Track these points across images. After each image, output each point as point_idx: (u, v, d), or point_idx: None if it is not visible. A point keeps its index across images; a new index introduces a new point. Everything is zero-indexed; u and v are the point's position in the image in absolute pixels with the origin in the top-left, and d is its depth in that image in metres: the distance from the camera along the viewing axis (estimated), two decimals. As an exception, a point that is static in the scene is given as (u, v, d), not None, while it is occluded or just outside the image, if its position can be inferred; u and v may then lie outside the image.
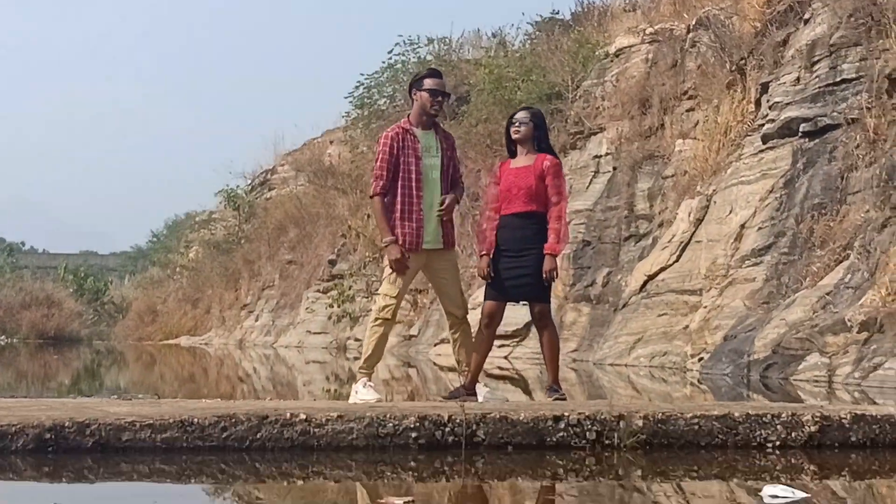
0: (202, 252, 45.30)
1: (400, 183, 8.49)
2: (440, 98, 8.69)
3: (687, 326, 15.45)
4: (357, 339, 26.19)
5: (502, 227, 8.59)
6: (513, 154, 8.72)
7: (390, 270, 8.51)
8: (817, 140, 14.67)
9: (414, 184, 8.49)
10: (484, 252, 8.66)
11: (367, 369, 8.45)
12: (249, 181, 44.27)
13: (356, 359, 21.99)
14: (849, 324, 11.62)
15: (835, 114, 14.44)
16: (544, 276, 8.37)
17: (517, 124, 8.62)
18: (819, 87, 14.85)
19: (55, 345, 38.80)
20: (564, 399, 8.34)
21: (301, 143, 40.83)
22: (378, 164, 8.53)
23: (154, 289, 48.39)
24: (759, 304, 14.08)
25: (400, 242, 8.42)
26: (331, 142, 37.53)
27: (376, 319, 8.48)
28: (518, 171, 8.54)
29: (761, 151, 15.63)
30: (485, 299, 8.72)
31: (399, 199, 8.48)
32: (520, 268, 8.44)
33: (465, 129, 25.11)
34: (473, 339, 8.68)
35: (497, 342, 18.88)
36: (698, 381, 13.04)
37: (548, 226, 8.43)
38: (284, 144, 44.03)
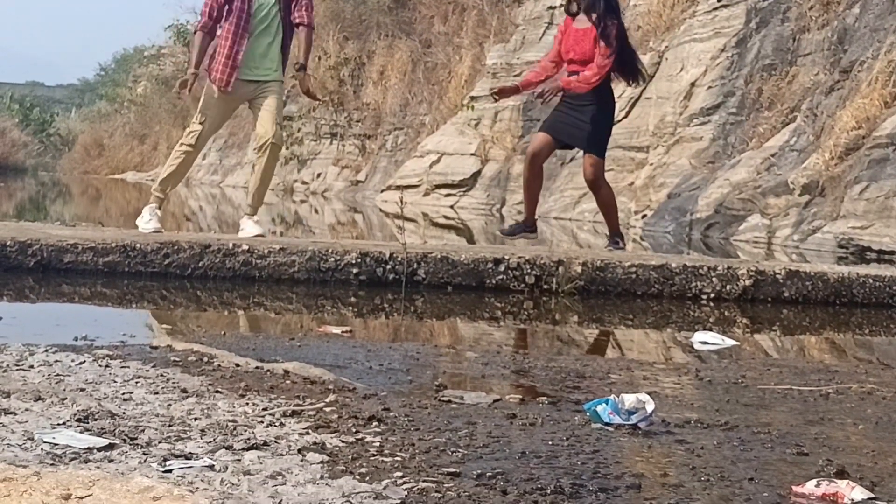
0: (150, 88, 44.67)
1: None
2: None
3: (632, 183, 15.50)
4: (304, 182, 26.16)
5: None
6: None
7: (202, 100, 8.56)
8: None
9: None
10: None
11: (161, 191, 8.33)
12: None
13: (303, 202, 22.03)
14: (791, 186, 11.72)
15: (790, -27, 14.38)
16: (544, 92, 8.83)
17: None
18: (777, -56, 14.75)
19: (-1, 173, 38.52)
20: (623, 249, 8.58)
21: (254, -19, 40.11)
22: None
23: (101, 123, 47.87)
24: (705, 163, 14.15)
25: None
26: (285, -18, 36.95)
27: (181, 145, 8.47)
28: (577, 33, 8.64)
29: (715, 9, 15.53)
30: (537, 131, 9.09)
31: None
32: (578, 118, 8.72)
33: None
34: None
35: (443, 191, 18.95)
36: (640, 237, 13.15)
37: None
38: (237, -18, 43.27)
